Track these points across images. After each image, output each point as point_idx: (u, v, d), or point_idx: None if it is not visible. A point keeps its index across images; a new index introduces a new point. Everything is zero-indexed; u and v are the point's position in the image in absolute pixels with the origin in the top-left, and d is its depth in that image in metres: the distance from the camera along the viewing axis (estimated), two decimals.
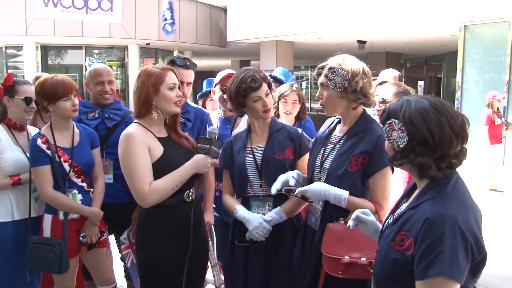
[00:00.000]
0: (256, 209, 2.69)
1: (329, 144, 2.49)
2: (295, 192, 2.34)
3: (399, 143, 1.64)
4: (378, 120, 2.23)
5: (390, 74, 4.96)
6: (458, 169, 1.68)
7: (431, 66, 22.67)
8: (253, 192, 2.70)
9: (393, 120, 1.66)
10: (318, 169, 2.45)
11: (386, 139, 1.71)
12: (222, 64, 31.59)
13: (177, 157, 2.58)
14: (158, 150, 2.53)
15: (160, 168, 2.49)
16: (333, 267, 2.16)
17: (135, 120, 2.60)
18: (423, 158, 1.61)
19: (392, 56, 20.93)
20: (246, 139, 2.79)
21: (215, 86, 3.68)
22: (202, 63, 30.88)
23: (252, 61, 27.49)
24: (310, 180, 2.48)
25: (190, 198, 2.64)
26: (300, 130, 2.82)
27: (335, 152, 2.41)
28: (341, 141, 2.43)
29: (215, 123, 3.65)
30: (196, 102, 4.60)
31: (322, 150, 2.49)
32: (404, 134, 1.62)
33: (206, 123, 3.42)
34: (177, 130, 2.74)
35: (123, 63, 20.06)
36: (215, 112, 3.80)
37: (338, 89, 2.35)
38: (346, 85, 2.33)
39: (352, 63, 2.38)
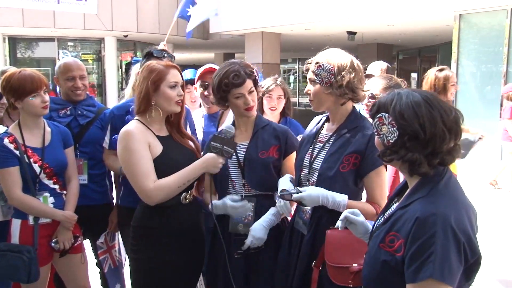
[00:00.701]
0: None
1: (318, 143, 2.51)
2: (292, 197, 2.35)
3: (389, 138, 1.65)
4: (367, 116, 2.25)
5: (377, 67, 4.97)
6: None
7: (424, 58, 22.80)
8: (235, 191, 2.70)
9: (383, 114, 1.66)
10: (307, 170, 2.46)
11: (375, 134, 1.72)
12: (205, 57, 31.48)
13: (177, 157, 2.61)
14: (157, 148, 2.56)
15: (158, 167, 2.51)
16: (342, 277, 2.11)
17: (136, 117, 2.64)
18: (413, 153, 1.62)
19: (383, 48, 21.02)
20: (232, 135, 2.78)
21: (196, 81, 3.68)
22: (184, 56, 30.78)
23: (236, 54, 27.45)
24: (298, 182, 2.50)
25: (188, 200, 2.66)
26: (286, 128, 2.84)
27: (325, 151, 2.43)
28: (331, 140, 2.45)
29: (199, 120, 3.64)
30: None
31: (311, 149, 2.50)
32: (395, 128, 1.63)
33: (187, 119, 3.41)
34: (181, 130, 2.79)
35: (99, 56, 19.88)
36: (198, 110, 3.78)
37: (325, 84, 2.37)
38: (332, 80, 2.36)
39: (339, 57, 2.40)
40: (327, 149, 2.43)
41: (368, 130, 2.33)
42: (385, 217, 1.76)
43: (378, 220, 1.85)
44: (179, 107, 2.67)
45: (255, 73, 2.73)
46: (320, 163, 2.40)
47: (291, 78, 31.62)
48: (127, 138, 2.49)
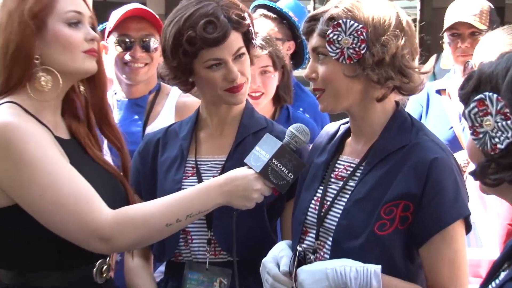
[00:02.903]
0: None
1: (333, 180, 1.67)
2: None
3: (498, 139, 1.11)
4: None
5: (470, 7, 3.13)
6: None
7: None
8: (191, 254, 1.79)
9: (487, 94, 1.12)
10: (313, 231, 1.64)
11: (470, 132, 1.17)
12: None
13: (98, 188, 1.58)
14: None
15: None
16: None
17: (4, 99, 1.57)
18: None
19: None
20: (188, 141, 1.87)
21: (107, 35, 2.47)
22: None
23: None
24: (296, 253, 1.60)
25: (104, 276, 1.68)
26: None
27: (347, 196, 1.60)
28: (357, 174, 1.62)
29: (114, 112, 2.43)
30: None
31: (321, 191, 1.67)
32: (510, 122, 1.09)
33: None
34: (109, 125, 1.78)
35: None
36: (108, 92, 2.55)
37: (347, 61, 1.54)
38: (363, 51, 1.52)
39: (374, 8, 1.56)
40: (349, 192, 1.60)
41: (428, 152, 1.53)
42: None
43: None
44: (93, 63, 1.64)
45: (247, 20, 1.81)
46: (337, 219, 1.59)
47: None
48: (12, 141, 1.46)
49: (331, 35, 1.55)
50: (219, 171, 1.81)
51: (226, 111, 1.86)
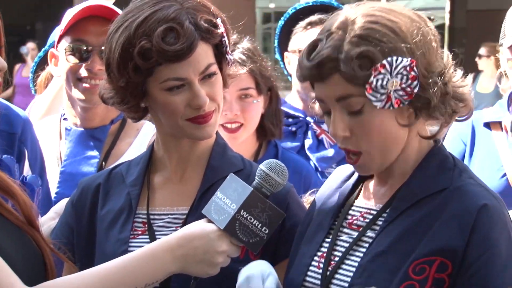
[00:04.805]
0: None
1: (346, 230, 1.49)
2: None
3: None
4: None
5: None
6: None
7: None
8: None
9: None
10: None
11: None
12: None
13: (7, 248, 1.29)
14: None
15: None
16: None
17: None
18: None
19: None
20: (138, 188, 1.61)
21: (58, 40, 2.12)
22: None
23: None
24: None
25: None
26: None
27: (363, 250, 1.42)
28: (379, 223, 1.44)
29: (56, 142, 2.15)
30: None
31: (327, 244, 1.47)
32: None
33: (23, 142, 1.92)
34: None
35: None
36: (53, 117, 2.27)
37: (395, 105, 1.34)
38: (415, 89, 1.34)
39: (410, 25, 1.35)
40: (367, 245, 1.41)
41: (476, 198, 1.35)
42: None
43: None
44: None
45: (224, 27, 1.55)
46: (349, 279, 1.39)
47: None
48: None
49: (374, 81, 1.31)
50: (178, 228, 1.51)
51: (189, 147, 1.58)
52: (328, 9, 2.56)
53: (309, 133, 2.53)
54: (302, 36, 2.50)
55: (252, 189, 1.38)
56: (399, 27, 1.35)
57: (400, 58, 1.32)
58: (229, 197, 1.40)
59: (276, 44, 2.80)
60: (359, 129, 1.36)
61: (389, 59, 1.32)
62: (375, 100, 1.33)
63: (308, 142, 2.51)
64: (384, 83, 1.32)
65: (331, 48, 1.33)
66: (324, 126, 2.39)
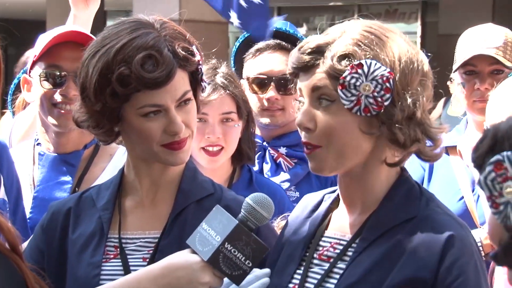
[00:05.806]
0: None
1: (316, 261, 1.47)
2: None
3: None
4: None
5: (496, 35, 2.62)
6: None
7: None
8: None
9: (505, 153, 0.98)
10: None
11: (489, 204, 1.00)
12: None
13: None
14: None
15: None
16: None
17: None
18: None
19: None
20: (110, 212, 1.60)
21: (31, 66, 2.11)
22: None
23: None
24: None
25: None
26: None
27: (334, 281, 1.41)
28: (349, 253, 1.43)
29: (29, 168, 2.14)
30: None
31: (299, 276, 1.46)
32: None
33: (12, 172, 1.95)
34: None
35: None
36: (27, 142, 2.29)
37: (363, 112, 1.36)
38: (386, 102, 1.35)
39: (399, 46, 1.39)
40: (337, 276, 1.40)
41: (443, 227, 1.36)
42: None
43: None
44: None
45: (199, 55, 1.57)
46: None
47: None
48: None
49: (348, 78, 1.33)
50: (150, 252, 1.54)
51: (161, 171, 1.57)
52: (282, 35, 2.56)
53: (267, 157, 2.51)
54: (252, 64, 2.50)
55: (237, 222, 1.38)
56: (390, 43, 1.38)
57: (379, 65, 1.34)
58: (214, 229, 1.39)
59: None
60: (323, 124, 1.38)
61: (368, 61, 1.34)
62: (345, 98, 1.35)
63: (266, 166, 2.51)
64: (358, 83, 1.34)
65: (323, 41, 1.38)
66: (282, 150, 2.40)
